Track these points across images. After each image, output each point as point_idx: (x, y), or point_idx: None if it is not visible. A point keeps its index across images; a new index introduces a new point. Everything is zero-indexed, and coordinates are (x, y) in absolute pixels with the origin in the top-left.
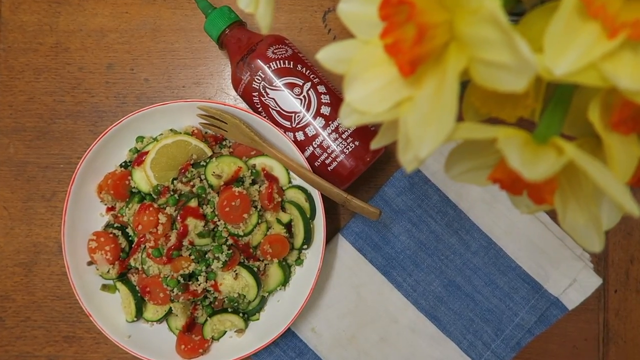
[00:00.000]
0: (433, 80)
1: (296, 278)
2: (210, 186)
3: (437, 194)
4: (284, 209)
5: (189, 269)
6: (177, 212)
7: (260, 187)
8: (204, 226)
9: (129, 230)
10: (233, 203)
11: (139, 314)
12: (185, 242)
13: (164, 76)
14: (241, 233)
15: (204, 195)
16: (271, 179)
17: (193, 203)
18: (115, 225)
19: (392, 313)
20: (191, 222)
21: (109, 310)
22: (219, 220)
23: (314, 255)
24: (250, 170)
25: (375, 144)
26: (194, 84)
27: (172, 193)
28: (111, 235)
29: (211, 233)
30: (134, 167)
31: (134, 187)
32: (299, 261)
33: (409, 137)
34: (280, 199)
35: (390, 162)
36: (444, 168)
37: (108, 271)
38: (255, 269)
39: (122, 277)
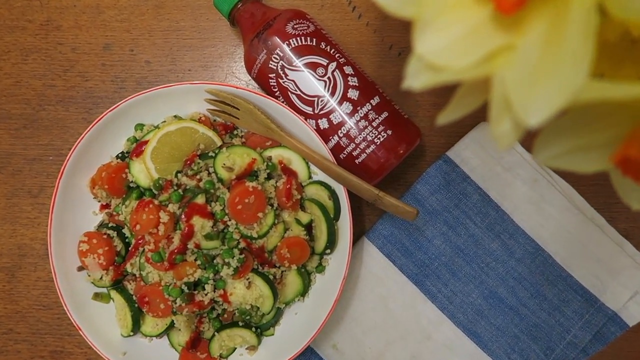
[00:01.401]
0: (545, 20)
1: (317, 288)
2: (220, 180)
3: (477, 193)
4: (303, 208)
5: (195, 277)
6: (181, 210)
7: (276, 182)
8: (212, 226)
9: (126, 231)
10: (246, 200)
11: (136, 327)
12: (191, 245)
13: (167, 58)
14: (255, 235)
15: (212, 191)
16: (289, 173)
17: (200, 199)
18: (110, 225)
19: (425, 328)
20: (197, 221)
21: (102, 323)
22: (229, 220)
23: (337, 261)
24: (265, 163)
25: (447, 117)
26: (201, 67)
27: (175, 188)
28: (105, 236)
29: (220, 235)
30: (132, 159)
31: (132, 182)
32: (321, 268)
33: (507, 100)
34: (299, 196)
35: (423, 157)
36: (533, 150)
37: (101, 278)
38: (271, 277)
39: (117, 284)
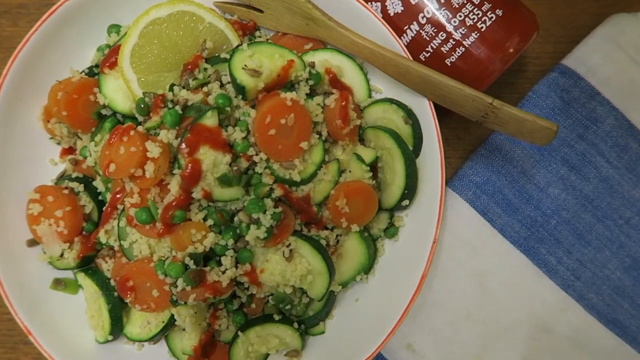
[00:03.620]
0: None
1: (386, 261)
2: (241, 91)
3: (611, 116)
4: (363, 142)
5: (205, 245)
6: (180, 138)
7: (324, 100)
8: (230, 164)
9: (98, 184)
10: (282, 120)
11: (117, 328)
12: (197, 194)
13: None
14: (296, 178)
15: (227, 109)
16: (342, 87)
17: (209, 120)
18: (74, 177)
19: (540, 316)
20: (207, 155)
21: (67, 324)
22: (256, 154)
23: (419, 218)
24: (307, 70)
25: None
26: None
27: (170, 105)
28: (66, 191)
29: (243, 177)
30: (104, 72)
31: (105, 106)
32: (392, 231)
33: None
34: (358, 122)
35: (523, 72)
36: None
37: (62, 255)
38: (324, 243)
39: (87, 265)
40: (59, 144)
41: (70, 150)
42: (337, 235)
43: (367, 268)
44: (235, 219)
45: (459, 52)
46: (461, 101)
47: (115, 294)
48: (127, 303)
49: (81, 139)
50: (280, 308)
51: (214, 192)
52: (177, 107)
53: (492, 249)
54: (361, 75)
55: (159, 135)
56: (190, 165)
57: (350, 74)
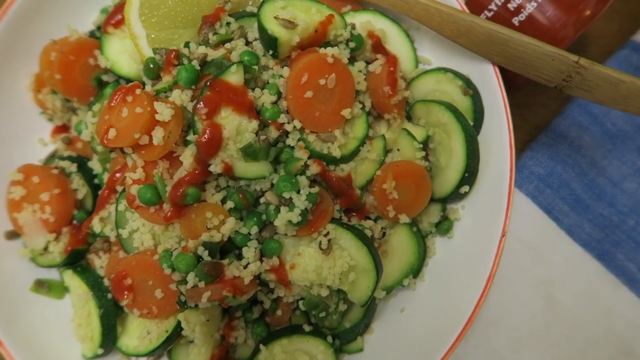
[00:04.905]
0: None
1: (439, 262)
2: (272, 45)
3: None
4: (410, 120)
5: (223, 232)
6: (197, 98)
7: (367, 67)
8: (256, 133)
9: (94, 164)
10: (322, 81)
11: (110, 339)
12: (216, 167)
13: None
14: (336, 152)
15: (254, 68)
16: (386, 53)
17: (234, 76)
18: (66, 156)
19: (620, 335)
20: (230, 119)
21: (48, 335)
22: (288, 122)
23: (481, 209)
24: (348, 29)
25: None
26: None
27: (186, 62)
28: (56, 171)
29: (272, 150)
30: (107, 32)
31: (106, 71)
32: (446, 225)
33: None
34: (406, 94)
35: (585, 53)
36: None
37: (46, 248)
38: (369, 234)
39: (77, 261)
40: (50, 120)
41: (63, 129)
42: (382, 228)
43: (417, 270)
44: (262, 200)
45: (526, 12)
46: (537, 62)
47: (109, 295)
48: (122, 307)
49: (77, 114)
50: (312, 316)
51: (236, 167)
52: (195, 62)
53: (559, 254)
54: (408, 43)
55: (172, 96)
56: (208, 130)
57: (395, 41)
